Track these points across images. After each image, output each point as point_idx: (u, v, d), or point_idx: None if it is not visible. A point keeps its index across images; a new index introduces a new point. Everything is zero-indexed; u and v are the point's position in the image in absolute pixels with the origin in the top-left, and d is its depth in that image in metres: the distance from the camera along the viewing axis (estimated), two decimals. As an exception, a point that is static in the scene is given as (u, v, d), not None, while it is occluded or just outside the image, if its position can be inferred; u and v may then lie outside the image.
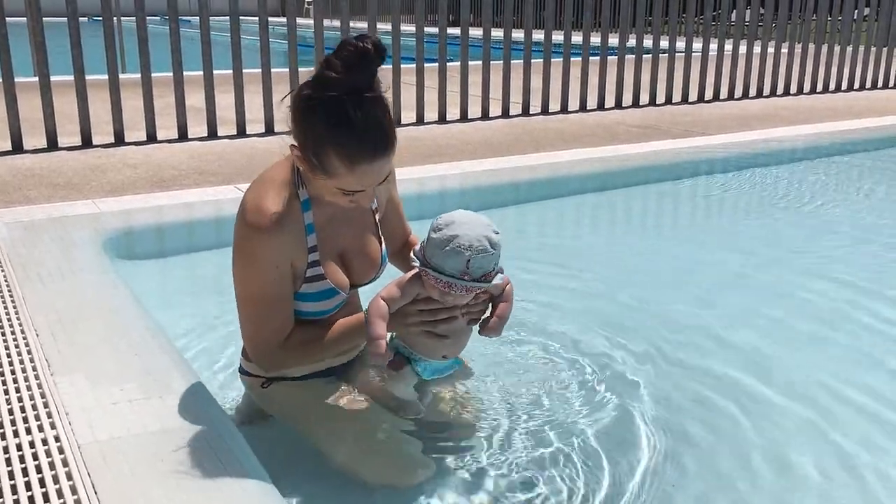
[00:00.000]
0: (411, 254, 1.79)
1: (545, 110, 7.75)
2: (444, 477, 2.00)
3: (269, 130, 6.42)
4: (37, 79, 5.67)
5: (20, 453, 1.79)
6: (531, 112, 7.65)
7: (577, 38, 8.01)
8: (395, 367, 1.92)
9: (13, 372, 2.18)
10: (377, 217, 2.09)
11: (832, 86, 9.68)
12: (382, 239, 2.10)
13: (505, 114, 7.47)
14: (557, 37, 7.89)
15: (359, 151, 1.68)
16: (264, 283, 1.86)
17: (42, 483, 1.69)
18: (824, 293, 3.35)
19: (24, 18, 5.65)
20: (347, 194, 1.76)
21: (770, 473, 2.09)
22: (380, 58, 1.65)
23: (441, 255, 1.69)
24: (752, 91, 9.09)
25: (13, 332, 2.43)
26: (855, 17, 9.91)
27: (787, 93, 9.33)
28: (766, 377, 2.57)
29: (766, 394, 2.48)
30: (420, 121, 6.91)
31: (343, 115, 1.65)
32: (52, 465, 1.75)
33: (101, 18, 5.88)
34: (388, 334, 1.87)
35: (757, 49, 9.11)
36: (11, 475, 1.72)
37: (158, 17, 12.91)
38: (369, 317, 1.75)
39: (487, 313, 1.87)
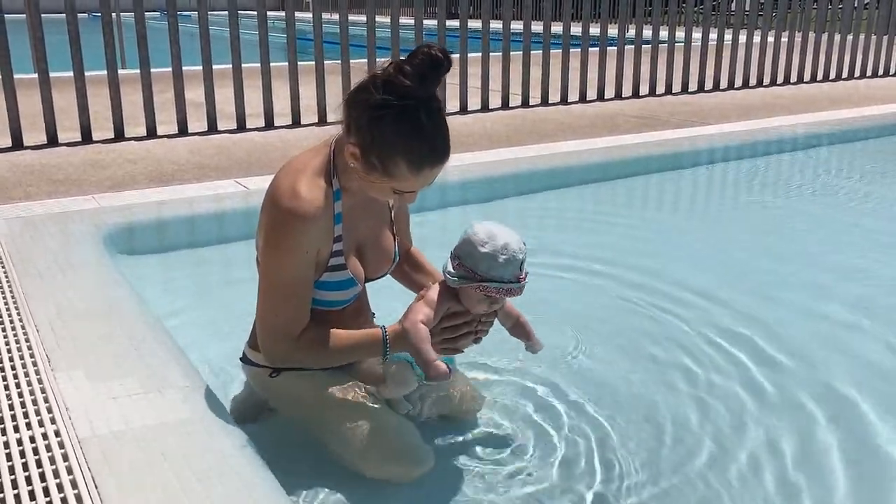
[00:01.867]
0: (446, 272, 1.85)
1: (545, 101, 7.74)
2: (446, 471, 2.00)
3: (269, 125, 6.42)
4: (36, 75, 5.67)
5: (20, 448, 1.80)
6: (531, 103, 7.64)
7: (576, 29, 7.99)
8: (399, 376, 1.98)
9: (13, 367, 2.18)
10: (392, 213, 2.12)
11: (832, 74, 9.66)
12: (396, 235, 2.13)
13: (505, 105, 7.46)
14: (556, 28, 7.88)
15: (427, 158, 1.76)
16: (293, 268, 1.87)
17: (42, 477, 1.70)
18: (834, 287, 3.35)
19: (24, 15, 5.64)
20: (398, 193, 1.84)
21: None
22: (449, 65, 1.73)
23: (499, 266, 1.79)
24: (753, 80, 9.07)
25: (13, 328, 2.44)
26: (855, 6, 9.87)
27: (787, 82, 9.30)
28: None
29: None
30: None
31: (417, 125, 1.73)
32: (52, 460, 1.75)
33: (100, 14, 5.87)
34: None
35: (757, 38, 9.08)
36: (12, 470, 1.72)
37: (158, 13, 12.91)
38: (417, 343, 1.81)
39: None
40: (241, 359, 2.15)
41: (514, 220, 4.32)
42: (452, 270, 1.84)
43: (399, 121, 1.72)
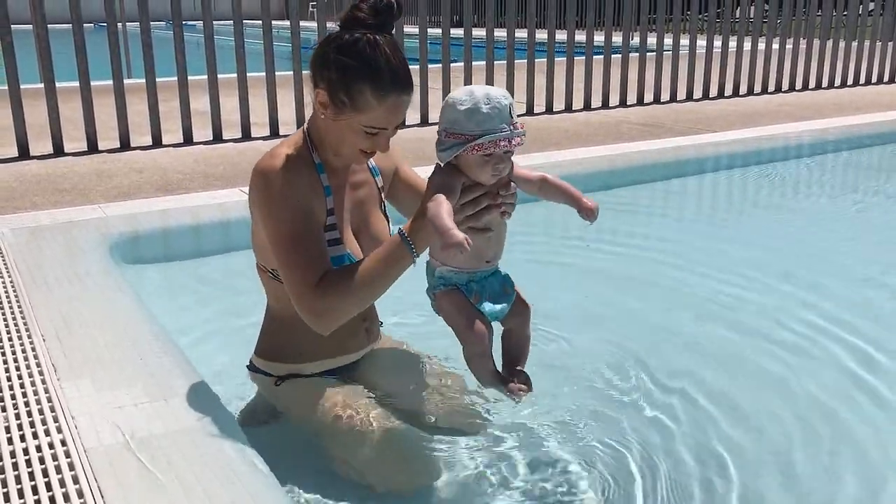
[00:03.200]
0: (437, 147, 1.75)
1: (549, 109, 7.75)
2: (450, 482, 1.99)
3: (274, 133, 6.43)
4: (42, 85, 5.70)
5: (27, 458, 1.80)
6: (535, 112, 7.64)
7: (580, 36, 8.00)
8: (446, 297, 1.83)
9: (20, 377, 2.19)
10: (383, 195, 2.12)
11: (837, 81, 9.65)
12: (389, 219, 2.12)
13: (509, 114, 7.45)
14: (561, 36, 7.89)
15: (391, 84, 1.80)
16: (289, 219, 1.86)
17: (49, 487, 1.70)
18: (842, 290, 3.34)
19: (30, 25, 5.67)
20: (371, 134, 1.84)
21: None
22: (399, 11, 1.84)
23: (486, 117, 1.69)
24: (757, 88, 9.07)
25: (20, 337, 2.44)
26: (860, 13, 9.87)
27: (791, 89, 9.30)
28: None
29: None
30: (424, 122, 6.91)
31: (377, 51, 1.79)
32: (58, 470, 1.75)
33: (105, 24, 5.90)
34: (433, 270, 1.85)
35: (761, 45, 9.08)
36: (18, 479, 1.72)
37: (163, 23, 12.97)
38: (435, 214, 1.65)
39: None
40: (247, 366, 2.15)
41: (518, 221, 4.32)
42: (442, 143, 1.74)
43: (361, 50, 1.79)
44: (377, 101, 1.80)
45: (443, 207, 1.67)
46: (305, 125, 2.00)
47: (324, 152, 1.96)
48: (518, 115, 1.77)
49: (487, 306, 1.84)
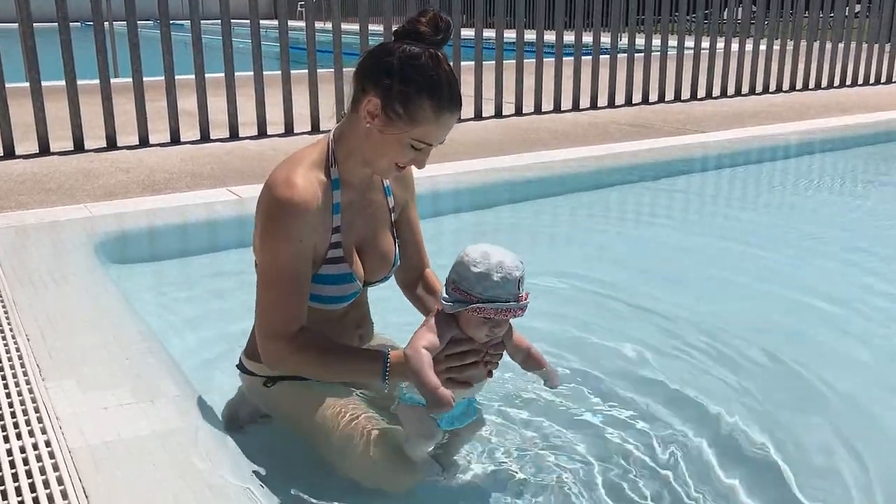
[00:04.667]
0: (441, 298, 1.79)
1: (538, 110, 7.75)
2: (439, 482, 1.98)
3: (262, 133, 6.41)
4: (28, 84, 5.66)
5: (10, 458, 1.79)
6: (524, 112, 7.65)
7: (569, 37, 8.01)
8: (418, 425, 1.88)
9: (4, 377, 2.17)
10: (393, 217, 2.11)
11: (825, 82, 9.70)
12: (397, 239, 2.12)
13: (498, 114, 7.47)
14: (549, 36, 7.90)
15: (448, 101, 1.82)
16: (288, 259, 1.85)
17: (32, 488, 1.68)
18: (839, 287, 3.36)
19: (15, 24, 5.63)
20: (416, 149, 1.85)
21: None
22: (451, 26, 1.86)
23: (495, 285, 1.72)
24: (745, 88, 9.10)
25: (4, 337, 2.43)
26: (847, 14, 9.93)
27: (779, 90, 9.34)
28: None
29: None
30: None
31: (441, 68, 1.81)
32: (42, 470, 1.74)
33: (91, 23, 5.87)
34: (399, 384, 1.87)
35: (749, 46, 9.12)
36: (2, 480, 1.71)
37: (150, 21, 12.91)
38: (418, 369, 1.72)
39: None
40: (237, 366, 2.14)
41: (508, 223, 4.32)
42: (447, 295, 1.78)
43: (426, 64, 1.79)
44: (434, 115, 1.81)
45: (424, 361, 1.72)
46: (331, 135, 1.95)
47: (347, 166, 1.93)
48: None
49: (444, 423, 1.87)
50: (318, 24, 6.77)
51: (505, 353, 1.89)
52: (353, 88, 1.88)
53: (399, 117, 1.81)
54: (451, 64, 1.86)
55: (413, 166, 1.93)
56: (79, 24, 7.37)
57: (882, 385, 2.58)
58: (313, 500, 1.91)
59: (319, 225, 1.89)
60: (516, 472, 2.04)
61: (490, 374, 1.86)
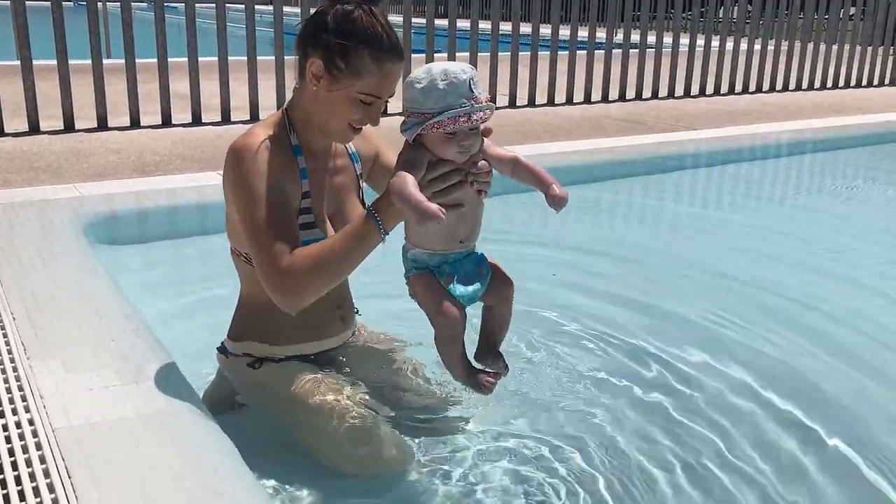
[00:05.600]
0: (401, 126, 1.72)
1: (532, 102, 7.75)
2: (421, 470, 1.99)
3: (255, 117, 6.39)
4: (19, 62, 5.62)
5: (-7, 437, 1.78)
6: (518, 104, 7.64)
7: (564, 31, 8.00)
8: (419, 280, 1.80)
9: (-12, 355, 2.15)
10: (362, 182, 2.11)
11: (817, 83, 9.72)
12: (366, 206, 2.07)
13: (491, 105, 7.45)
14: (545, 30, 7.89)
15: (388, 52, 1.84)
16: (261, 199, 1.83)
17: (14, 466, 1.67)
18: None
19: (7, 2, 5.59)
20: (365, 104, 1.85)
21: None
22: None
23: (443, 93, 1.64)
24: (739, 87, 9.12)
25: (-11, 316, 2.41)
26: (841, 16, 9.95)
27: (772, 89, 9.36)
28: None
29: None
30: (406, 111, 6.89)
31: (376, 19, 1.84)
32: (24, 449, 1.73)
33: (85, 2, 5.82)
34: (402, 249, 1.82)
35: (743, 46, 9.13)
36: (-16, 458, 1.70)
37: (144, 3, 12.81)
38: (401, 189, 1.62)
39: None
40: (218, 349, 2.13)
41: (498, 212, 4.32)
42: (403, 124, 1.70)
43: (359, 17, 1.83)
44: (376, 65, 1.82)
45: (407, 181, 1.63)
46: (285, 106, 1.98)
47: (305, 133, 1.95)
48: (484, 90, 1.70)
49: (459, 289, 1.78)
50: (313, 11, 6.73)
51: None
52: (297, 58, 1.90)
53: (342, 72, 1.83)
54: (386, 17, 1.88)
55: (370, 125, 1.91)
56: (72, 3, 7.32)
57: None
58: (297, 482, 1.92)
59: (285, 172, 1.88)
60: (496, 460, 2.05)
61: (482, 193, 1.77)
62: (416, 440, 2.08)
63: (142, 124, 6.03)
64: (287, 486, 1.92)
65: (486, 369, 1.87)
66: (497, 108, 7.68)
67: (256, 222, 1.83)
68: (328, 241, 1.85)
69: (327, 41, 1.83)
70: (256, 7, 6.47)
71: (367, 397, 2.01)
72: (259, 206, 1.83)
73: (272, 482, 1.91)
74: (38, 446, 1.74)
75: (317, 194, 1.97)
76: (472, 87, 1.65)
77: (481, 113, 1.66)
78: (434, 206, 1.59)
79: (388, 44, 1.84)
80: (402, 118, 1.71)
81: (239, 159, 1.86)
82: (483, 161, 1.73)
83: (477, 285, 1.81)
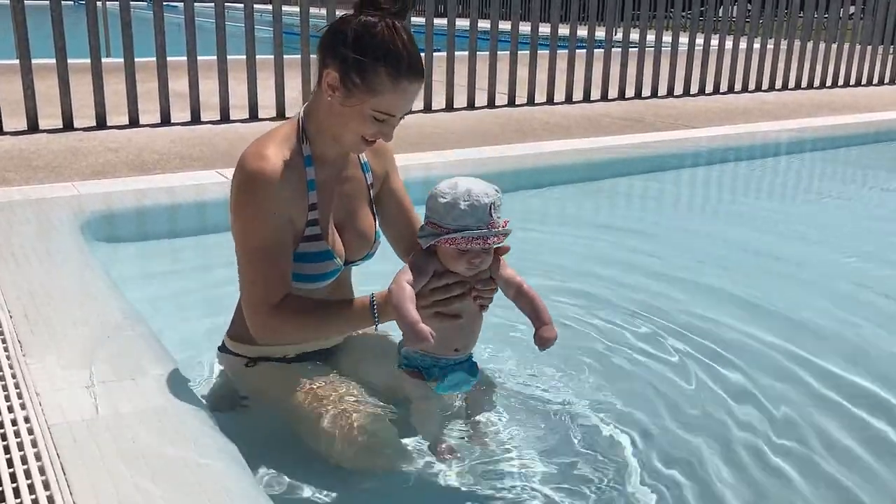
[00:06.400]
0: (418, 234, 1.78)
1: (531, 101, 7.75)
2: (421, 467, 1.98)
3: (254, 116, 6.38)
4: (17, 60, 5.61)
5: (-11, 433, 1.77)
6: (517, 103, 7.64)
7: (563, 30, 8.00)
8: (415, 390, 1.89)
9: (-16, 352, 2.15)
10: (372, 192, 2.09)
11: (817, 82, 9.72)
12: (378, 217, 2.09)
13: (491, 104, 7.46)
14: (544, 29, 7.89)
15: (407, 69, 1.79)
16: (263, 232, 1.84)
17: (10, 463, 1.67)
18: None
19: (6, 1, 5.58)
20: (378, 120, 1.81)
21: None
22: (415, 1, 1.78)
23: (462, 213, 1.68)
24: (738, 86, 9.11)
25: (-14, 313, 2.40)
26: (841, 15, 9.95)
27: (772, 88, 9.35)
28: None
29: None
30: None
31: (398, 35, 1.78)
32: (20, 446, 1.73)
33: (84, 2, 5.82)
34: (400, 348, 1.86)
35: (743, 45, 9.13)
36: (-21, 455, 1.70)
37: (144, 2, 12.80)
38: (398, 302, 1.68)
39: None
40: (219, 347, 2.13)
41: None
42: (421, 230, 1.75)
43: (380, 32, 1.77)
44: (392, 83, 1.78)
45: (406, 295, 1.68)
46: (301, 112, 1.95)
47: (318, 142, 1.92)
48: (500, 104, 1.75)
49: (444, 391, 1.84)
50: (313, 10, 6.74)
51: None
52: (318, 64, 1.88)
53: (357, 88, 1.79)
54: (410, 33, 1.82)
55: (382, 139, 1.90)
56: (71, 2, 7.32)
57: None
58: (294, 480, 1.91)
59: (293, 198, 1.87)
60: (495, 458, 2.04)
61: (482, 308, 1.82)
62: (413, 438, 2.08)
63: (141, 123, 6.02)
64: (285, 484, 1.91)
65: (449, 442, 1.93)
66: (496, 107, 7.70)
67: (253, 257, 1.86)
68: (322, 308, 1.89)
69: (345, 54, 1.79)
70: (255, 6, 6.46)
71: (364, 395, 2.01)
72: (259, 243, 1.85)
73: (270, 479, 1.90)
74: (34, 443, 1.73)
75: (325, 204, 1.95)
76: (493, 211, 1.70)
77: (496, 238, 1.71)
78: (425, 330, 1.64)
79: (407, 62, 1.79)
80: (422, 224, 1.77)
81: (249, 185, 1.83)
82: (490, 278, 1.79)
83: (464, 388, 1.89)
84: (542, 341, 1.78)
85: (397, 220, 2.13)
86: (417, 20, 7.42)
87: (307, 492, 1.90)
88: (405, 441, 1.99)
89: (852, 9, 10.29)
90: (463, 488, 1.94)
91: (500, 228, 1.71)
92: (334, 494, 1.90)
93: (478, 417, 2.10)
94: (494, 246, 1.73)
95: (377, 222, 2.10)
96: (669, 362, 2.63)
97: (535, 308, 1.80)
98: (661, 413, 2.31)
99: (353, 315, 1.86)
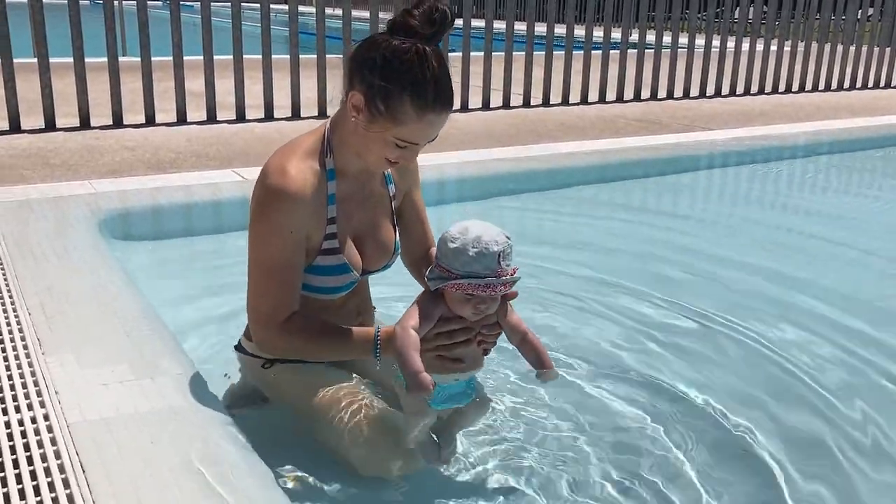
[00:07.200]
0: (426, 277, 1.77)
1: (546, 102, 7.73)
2: (436, 470, 1.98)
3: (269, 116, 6.40)
4: (36, 59, 5.64)
5: (8, 431, 1.78)
6: (532, 104, 7.62)
7: (579, 31, 7.98)
8: (412, 405, 1.86)
9: (4, 350, 2.16)
10: (394, 205, 2.08)
11: (834, 84, 9.66)
12: (397, 227, 2.09)
13: (506, 104, 7.45)
14: (560, 30, 7.87)
15: (433, 100, 1.74)
16: (277, 249, 1.84)
17: (30, 461, 1.68)
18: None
19: (25, 0, 5.61)
20: (400, 147, 1.79)
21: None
22: (454, 18, 1.75)
23: (471, 260, 1.69)
24: (754, 88, 9.07)
25: (5, 311, 2.41)
26: (858, 17, 9.88)
27: (788, 90, 9.30)
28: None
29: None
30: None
31: (426, 63, 1.72)
32: (40, 444, 1.73)
33: (102, 1, 5.85)
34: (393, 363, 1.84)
35: (759, 46, 9.08)
36: (-1, 453, 1.70)
37: (160, 1, 12.87)
38: (402, 349, 1.70)
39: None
40: (235, 347, 2.13)
41: (512, 213, 4.30)
42: (430, 272, 1.76)
43: (409, 60, 1.72)
44: (416, 114, 1.74)
45: (410, 342, 1.69)
46: (328, 123, 1.92)
47: (342, 155, 1.90)
48: (514, 105, 1.74)
49: (438, 405, 1.84)
50: (329, 10, 6.75)
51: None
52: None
53: (381, 115, 1.75)
54: (442, 60, 1.75)
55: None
56: (88, 2, 7.35)
57: None
58: (311, 480, 1.91)
59: (313, 215, 1.87)
60: (512, 463, 2.04)
61: (486, 352, 1.83)
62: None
63: (157, 122, 6.04)
64: (303, 483, 1.91)
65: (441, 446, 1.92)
66: (512, 108, 7.69)
67: (266, 270, 1.86)
68: (325, 334, 1.90)
69: (371, 79, 1.74)
70: (271, 6, 6.47)
71: (380, 398, 2.00)
72: (274, 258, 1.85)
73: (288, 479, 1.90)
74: (53, 441, 1.74)
75: (344, 217, 1.94)
76: (501, 260, 1.70)
77: (503, 286, 1.71)
78: (427, 380, 1.65)
79: (434, 93, 1.73)
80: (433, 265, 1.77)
81: (269, 200, 1.82)
82: (496, 323, 1.80)
83: (460, 402, 1.88)
84: (545, 376, 1.83)
85: (411, 233, 2.14)
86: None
87: (325, 492, 1.90)
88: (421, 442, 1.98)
89: (871, 11, 10.22)
90: (476, 490, 1.93)
91: (508, 277, 1.71)
92: (351, 495, 1.90)
93: (472, 428, 2.10)
94: (502, 294, 1.74)
95: (397, 234, 2.09)
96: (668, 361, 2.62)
97: (538, 356, 1.83)
98: (659, 410, 2.31)
99: (355, 347, 1.88)
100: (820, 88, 9.54)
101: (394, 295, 2.51)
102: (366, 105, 1.76)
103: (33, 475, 1.63)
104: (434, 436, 1.92)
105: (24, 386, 1.97)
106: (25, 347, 2.17)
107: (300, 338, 1.90)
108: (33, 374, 2.03)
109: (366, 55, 1.77)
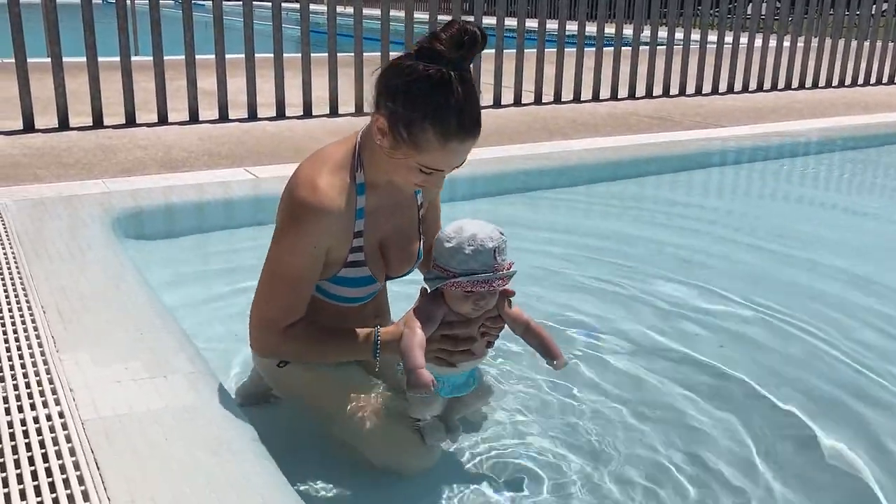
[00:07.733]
0: (424, 280, 1.78)
1: (558, 99, 7.72)
2: (450, 465, 1.98)
3: (281, 115, 6.41)
4: (49, 59, 5.67)
5: (24, 428, 1.79)
6: (543, 101, 7.61)
7: (591, 28, 7.97)
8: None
9: (19, 348, 2.17)
10: (421, 213, 2.08)
11: (847, 80, 9.60)
12: (423, 235, 2.09)
13: (517, 102, 7.44)
14: (571, 27, 7.85)
15: (456, 127, 1.71)
16: (296, 260, 1.85)
17: (45, 458, 1.69)
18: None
19: (38, 0, 5.64)
20: (425, 173, 1.77)
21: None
22: (484, 41, 1.70)
23: (467, 258, 1.72)
24: (767, 84, 9.02)
25: (20, 309, 2.43)
26: (873, 13, 9.82)
27: (801, 86, 9.25)
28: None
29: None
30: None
31: (448, 91, 1.68)
32: (55, 441, 1.74)
33: (114, 1, 5.87)
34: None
35: (772, 43, 9.03)
36: (15, 449, 1.71)
37: (172, 1, 12.91)
38: (407, 348, 1.72)
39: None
40: (250, 345, 2.14)
41: (523, 210, 4.30)
42: (428, 273, 1.78)
43: (431, 85, 1.68)
44: (439, 143, 1.71)
45: (415, 341, 1.72)
46: (359, 136, 1.89)
47: (372, 169, 1.87)
48: (526, 102, 1.74)
49: (443, 392, 1.87)
50: (340, 9, 6.75)
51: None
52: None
53: (404, 142, 1.73)
54: (470, 84, 1.71)
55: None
56: (101, 1, 7.38)
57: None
58: (324, 479, 1.92)
59: (339, 230, 1.86)
60: (523, 461, 2.04)
61: (489, 344, 1.86)
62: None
63: (169, 121, 6.07)
64: (315, 481, 1.92)
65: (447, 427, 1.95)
66: (523, 105, 7.68)
67: (281, 279, 1.87)
68: (324, 339, 1.91)
69: (393, 106, 1.71)
70: (283, 5, 6.49)
71: (394, 397, 2.01)
72: (292, 270, 1.85)
73: (300, 476, 1.91)
74: (68, 438, 1.75)
75: (371, 229, 1.93)
76: (497, 255, 1.74)
77: (500, 281, 1.74)
78: (427, 378, 1.68)
79: (457, 122, 1.69)
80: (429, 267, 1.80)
81: (296, 213, 1.82)
82: (497, 316, 1.83)
83: (464, 392, 1.91)
84: (557, 366, 1.86)
85: (429, 226, 2.14)
86: (443, 18, 7.40)
87: (337, 490, 1.91)
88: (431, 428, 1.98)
89: (885, 6, 10.15)
90: (492, 490, 1.94)
91: (504, 271, 1.75)
92: (364, 494, 1.91)
93: (477, 417, 2.14)
94: (500, 288, 1.77)
95: (422, 243, 2.08)
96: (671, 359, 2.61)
97: (543, 344, 1.86)
98: (657, 408, 2.31)
99: (355, 350, 1.89)
100: (834, 84, 9.49)
101: (396, 292, 2.51)
102: (389, 130, 1.74)
103: (48, 472, 1.65)
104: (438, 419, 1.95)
105: (40, 384, 1.99)
106: (40, 346, 2.19)
107: (298, 343, 1.91)
108: (48, 371, 2.05)
109: (389, 80, 1.74)
